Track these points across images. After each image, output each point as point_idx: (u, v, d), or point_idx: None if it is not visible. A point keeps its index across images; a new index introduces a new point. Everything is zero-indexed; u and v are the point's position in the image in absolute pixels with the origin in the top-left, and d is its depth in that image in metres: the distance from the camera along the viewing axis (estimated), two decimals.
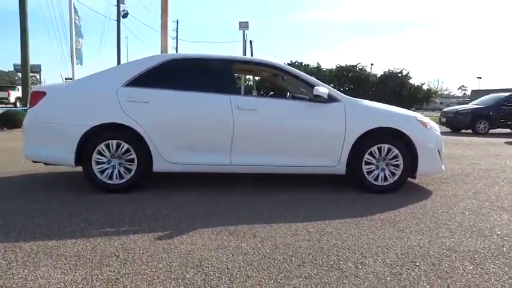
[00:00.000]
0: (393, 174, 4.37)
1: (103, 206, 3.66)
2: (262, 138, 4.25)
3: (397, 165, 4.35)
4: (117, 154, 4.10)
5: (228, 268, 2.38)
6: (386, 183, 4.36)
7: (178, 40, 45.22)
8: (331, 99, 4.30)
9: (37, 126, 4.14)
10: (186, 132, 4.19)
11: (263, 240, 2.87)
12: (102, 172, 4.09)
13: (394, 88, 25.87)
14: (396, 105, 5.09)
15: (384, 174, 4.37)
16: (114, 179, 4.11)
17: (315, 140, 4.29)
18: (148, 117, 4.10)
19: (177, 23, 44.91)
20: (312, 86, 4.33)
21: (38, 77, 77.03)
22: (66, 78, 20.08)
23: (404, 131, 4.31)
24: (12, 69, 69.54)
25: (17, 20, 14.65)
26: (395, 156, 4.33)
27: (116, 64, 26.59)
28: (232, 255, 2.58)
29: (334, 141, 4.26)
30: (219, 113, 4.18)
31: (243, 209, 3.65)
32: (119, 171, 4.12)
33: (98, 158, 4.07)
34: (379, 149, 4.32)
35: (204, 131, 4.20)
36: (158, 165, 4.15)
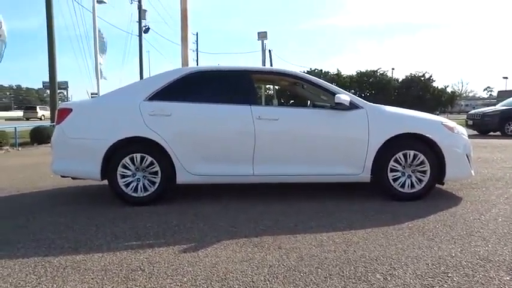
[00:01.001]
0: (420, 180, 4.25)
1: (128, 219, 3.71)
2: (284, 148, 4.22)
3: (423, 172, 4.23)
4: (142, 167, 4.15)
5: (253, 281, 2.35)
6: (413, 190, 4.25)
7: (198, 52, 45.86)
8: (353, 106, 4.25)
9: (64, 142, 4.25)
10: (208, 143, 4.21)
11: (288, 251, 2.83)
12: (127, 185, 4.14)
13: (417, 92, 25.32)
14: (419, 109, 4.99)
15: (411, 181, 4.26)
16: (138, 192, 4.15)
17: (338, 148, 4.23)
18: (170, 130, 4.14)
19: (197, 35, 45.61)
20: (333, 93, 4.29)
21: (65, 93, 79.67)
22: (92, 94, 20.77)
23: (430, 136, 4.20)
24: (41, 86, 72.17)
25: (45, 41, 15.10)
26: (422, 163, 4.22)
27: (138, 77, 27.15)
28: (257, 267, 2.55)
29: (358, 148, 4.19)
30: (240, 124, 4.18)
31: (266, 219, 3.62)
32: (143, 184, 4.16)
33: (122, 172, 4.13)
34: (405, 156, 4.22)
35: (225, 142, 4.21)
36: (181, 177, 4.18)
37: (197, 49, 45.59)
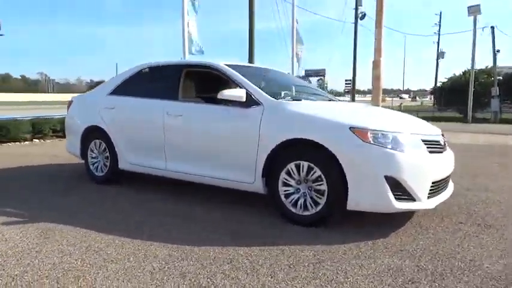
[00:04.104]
0: (316, 203, 3.23)
1: (66, 196, 4.30)
2: (185, 145, 4.04)
3: (320, 191, 3.19)
4: (100, 151, 4.88)
5: None
6: (306, 213, 3.27)
7: (440, 35, 40.84)
8: (252, 102, 3.61)
9: (67, 127, 5.45)
10: (135, 135, 4.49)
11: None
12: (93, 165, 4.97)
13: None
14: None
15: (305, 201, 3.30)
16: (98, 172, 4.91)
17: (230, 150, 3.71)
18: (112, 121, 4.67)
19: (440, 15, 40.63)
20: (241, 87, 3.75)
21: (323, 79, 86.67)
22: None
23: (325, 145, 3.12)
24: (303, 74, 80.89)
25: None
26: (319, 179, 3.19)
27: (352, 65, 27.03)
28: None
29: (248, 153, 3.55)
30: (154, 119, 4.24)
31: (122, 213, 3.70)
32: (101, 166, 4.89)
33: (90, 154, 4.97)
34: (298, 167, 3.29)
35: (146, 135, 4.37)
36: (122, 164, 4.65)
37: (439, 31, 40.70)
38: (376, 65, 11.50)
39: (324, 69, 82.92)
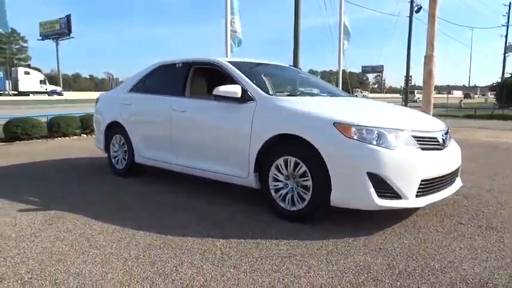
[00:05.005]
0: (302, 198, 3.23)
1: (87, 186, 4.72)
2: (189, 140, 4.17)
3: (306, 187, 3.18)
4: (120, 145, 5.17)
5: None
6: (294, 209, 3.28)
7: (508, 27, 37.72)
8: (248, 98, 3.66)
9: (95, 122, 5.81)
10: (148, 130, 4.70)
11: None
12: (114, 158, 5.28)
13: None
14: None
15: (292, 196, 3.30)
16: (118, 165, 5.21)
17: (226, 146, 3.78)
18: (129, 117, 4.92)
19: (509, 6, 37.49)
20: (238, 83, 3.82)
21: (381, 75, 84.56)
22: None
23: (309, 140, 3.10)
24: (360, 70, 79.40)
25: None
26: (304, 174, 3.18)
27: (405, 61, 25.88)
28: None
29: (242, 148, 3.61)
30: (163, 115, 4.42)
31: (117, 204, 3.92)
32: (120, 160, 5.18)
33: (112, 147, 5.29)
34: (286, 163, 3.31)
35: (157, 130, 4.55)
36: (137, 158, 4.89)
37: (508, 22, 37.60)
38: (428, 60, 10.90)
39: (382, 66, 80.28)
